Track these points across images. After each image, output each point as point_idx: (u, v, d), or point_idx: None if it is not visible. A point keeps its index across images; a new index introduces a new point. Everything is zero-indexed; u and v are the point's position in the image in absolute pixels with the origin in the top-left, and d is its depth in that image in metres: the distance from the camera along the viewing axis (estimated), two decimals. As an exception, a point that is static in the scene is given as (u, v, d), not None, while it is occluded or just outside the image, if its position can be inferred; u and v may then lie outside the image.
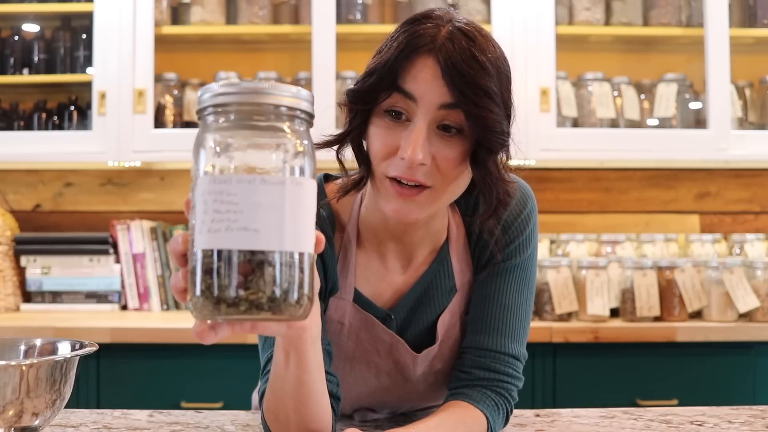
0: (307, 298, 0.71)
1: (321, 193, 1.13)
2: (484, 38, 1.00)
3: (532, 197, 1.19)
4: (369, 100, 1.02)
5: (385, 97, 1.01)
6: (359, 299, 1.15)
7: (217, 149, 0.69)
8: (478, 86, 0.97)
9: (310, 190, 0.70)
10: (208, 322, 0.74)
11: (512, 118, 1.04)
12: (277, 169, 0.68)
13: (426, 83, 0.98)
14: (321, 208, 1.12)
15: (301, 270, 0.69)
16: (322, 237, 0.76)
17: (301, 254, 0.69)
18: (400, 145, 1.00)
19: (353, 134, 1.06)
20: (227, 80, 0.62)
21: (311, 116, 0.72)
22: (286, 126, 0.70)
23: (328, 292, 1.14)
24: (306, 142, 0.71)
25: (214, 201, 0.67)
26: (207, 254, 0.68)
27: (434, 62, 0.98)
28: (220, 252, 0.67)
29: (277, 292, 0.68)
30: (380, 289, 1.16)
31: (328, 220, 1.14)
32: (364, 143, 1.08)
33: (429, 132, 0.99)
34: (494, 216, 1.09)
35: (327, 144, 1.09)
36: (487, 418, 1.08)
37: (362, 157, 1.08)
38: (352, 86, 1.05)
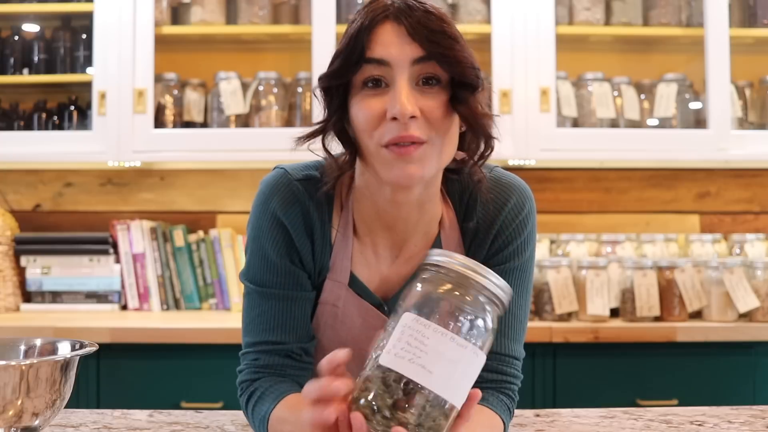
0: None
1: (310, 189, 1.14)
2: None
3: (531, 199, 1.19)
4: (341, 74, 1.05)
5: (356, 70, 1.04)
6: (354, 283, 1.16)
7: (432, 302, 0.83)
8: (441, 32, 1.03)
9: (480, 361, 0.84)
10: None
11: (475, 59, 1.08)
12: (465, 335, 0.82)
13: (393, 45, 1.03)
14: (319, 196, 1.13)
15: (446, 417, 0.82)
16: (478, 394, 0.86)
17: (452, 405, 0.82)
18: (386, 109, 1.02)
19: (335, 118, 1.08)
20: (460, 258, 0.85)
21: (505, 308, 0.86)
22: (487, 308, 0.84)
23: (317, 273, 1.16)
24: (492, 326, 0.85)
25: (409, 335, 0.81)
26: (386, 370, 0.81)
27: (395, 25, 1.03)
28: (397, 374, 0.81)
29: (425, 424, 0.81)
30: (374, 281, 1.17)
31: (326, 204, 1.15)
32: (347, 129, 1.09)
33: (410, 88, 1.02)
34: (483, 158, 1.11)
35: (311, 135, 1.11)
36: (503, 421, 1.11)
37: (347, 138, 1.09)
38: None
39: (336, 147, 1.12)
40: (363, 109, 1.04)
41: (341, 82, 1.06)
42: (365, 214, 1.15)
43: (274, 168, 1.18)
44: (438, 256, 0.85)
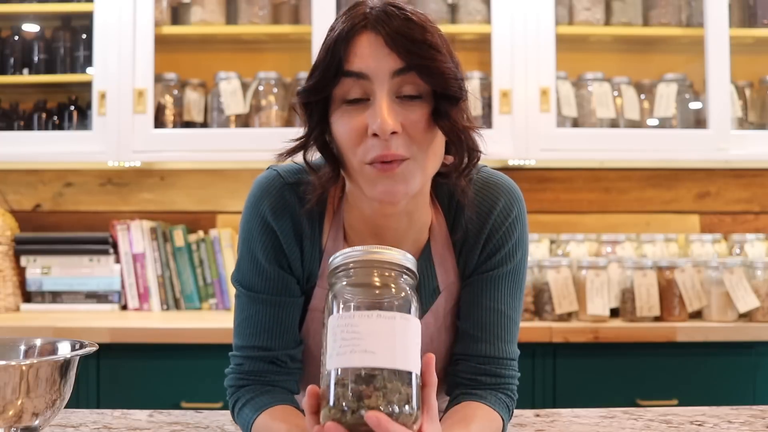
0: (417, 408, 0.84)
1: (302, 194, 1.12)
2: (411, 6, 1.04)
3: (520, 200, 1.17)
4: (320, 89, 1.02)
5: (335, 84, 1.01)
6: None
7: (346, 296, 0.87)
8: (422, 42, 0.99)
9: (414, 325, 0.87)
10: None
11: (459, 67, 1.05)
12: (389, 308, 0.86)
13: (372, 57, 0.99)
14: (309, 206, 1.11)
15: (409, 384, 0.84)
16: (432, 357, 0.87)
17: (408, 372, 0.84)
18: (368, 123, 1.00)
19: (315, 133, 1.06)
20: (352, 249, 0.90)
21: (415, 275, 0.89)
22: (398, 281, 0.88)
23: (305, 279, 1.15)
24: (411, 292, 0.88)
25: (341, 331, 0.84)
26: (336, 372, 0.84)
27: (374, 35, 1.00)
28: (346, 369, 0.83)
29: (392, 399, 0.82)
30: None
31: (317, 210, 1.13)
32: (329, 141, 1.07)
33: (391, 102, 1.00)
34: (467, 170, 1.09)
35: (291, 151, 1.08)
36: (502, 419, 1.11)
37: (329, 154, 1.07)
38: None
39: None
40: (344, 125, 1.02)
41: (320, 96, 1.03)
42: (355, 222, 1.14)
43: (267, 168, 1.16)
44: (335, 258, 0.89)
